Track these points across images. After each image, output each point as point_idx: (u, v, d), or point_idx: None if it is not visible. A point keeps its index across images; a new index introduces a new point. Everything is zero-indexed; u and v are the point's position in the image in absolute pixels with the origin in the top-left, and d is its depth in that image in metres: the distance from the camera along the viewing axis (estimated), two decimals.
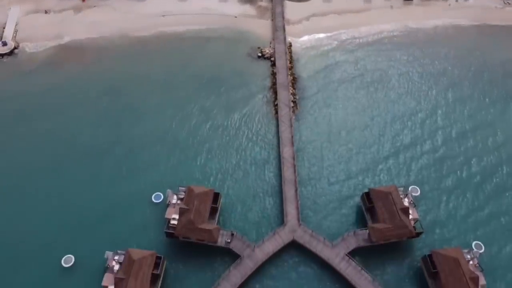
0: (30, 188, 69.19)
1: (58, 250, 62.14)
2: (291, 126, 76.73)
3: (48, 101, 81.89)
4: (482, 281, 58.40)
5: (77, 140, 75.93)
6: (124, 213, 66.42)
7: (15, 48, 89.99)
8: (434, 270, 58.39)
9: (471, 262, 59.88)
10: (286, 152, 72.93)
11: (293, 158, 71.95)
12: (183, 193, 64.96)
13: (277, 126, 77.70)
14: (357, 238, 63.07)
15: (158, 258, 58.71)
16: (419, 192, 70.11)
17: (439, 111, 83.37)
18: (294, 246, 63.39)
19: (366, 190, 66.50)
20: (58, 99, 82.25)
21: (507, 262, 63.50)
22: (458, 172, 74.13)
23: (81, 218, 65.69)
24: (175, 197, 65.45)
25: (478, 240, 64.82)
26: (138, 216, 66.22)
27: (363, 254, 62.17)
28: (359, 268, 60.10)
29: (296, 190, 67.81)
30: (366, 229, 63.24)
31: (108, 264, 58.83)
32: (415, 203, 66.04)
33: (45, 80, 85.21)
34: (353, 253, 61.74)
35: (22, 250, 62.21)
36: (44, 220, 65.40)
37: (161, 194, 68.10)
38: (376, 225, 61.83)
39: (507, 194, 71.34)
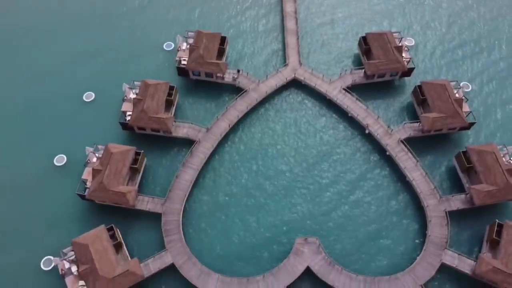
0: (60, 37, 75.22)
1: (80, 88, 68.22)
2: None
3: None
4: (466, 108, 64.20)
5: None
6: (138, 60, 71.70)
7: None
8: (422, 97, 64.14)
9: (457, 95, 65.21)
10: (289, 7, 76.73)
11: (295, 12, 75.94)
12: (192, 39, 69.57)
13: None
14: (353, 76, 68.38)
15: (171, 88, 64.44)
16: (413, 43, 74.84)
17: None
18: (295, 84, 69.18)
19: (363, 34, 70.90)
20: None
21: (491, 103, 69.02)
22: (453, 24, 78.80)
23: (100, 61, 71.52)
24: (184, 44, 70.20)
25: (467, 82, 70.66)
26: (151, 61, 71.62)
27: (359, 91, 67.40)
28: (355, 98, 65.95)
29: (297, 38, 72.35)
30: (362, 68, 68.55)
31: (125, 96, 64.60)
32: (408, 48, 70.83)
33: None
34: (350, 90, 67.20)
35: (47, 89, 68.39)
36: (66, 63, 71.21)
37: (172, 43, 73.19)
38: (372, 61, 66.80)
39: (503, 46, 76.08)
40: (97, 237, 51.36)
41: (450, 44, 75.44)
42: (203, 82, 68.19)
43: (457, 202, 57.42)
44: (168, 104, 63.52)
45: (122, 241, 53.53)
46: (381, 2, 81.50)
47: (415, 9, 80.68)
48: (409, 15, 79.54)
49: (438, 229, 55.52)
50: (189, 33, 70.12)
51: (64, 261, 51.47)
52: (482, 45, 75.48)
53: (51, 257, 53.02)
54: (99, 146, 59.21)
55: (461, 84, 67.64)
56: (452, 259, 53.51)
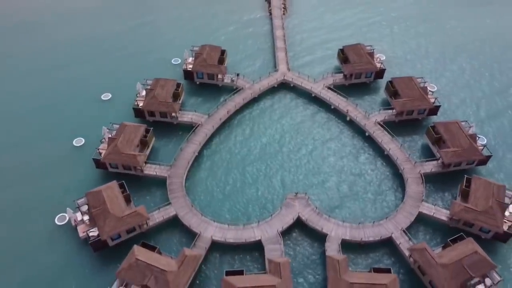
0: (84, 55, 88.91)
1: (98, 89, 79.24)
2: (282, 19, 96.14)
3: None
4: (432, 100, 74.27)
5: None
6: (149, 71, 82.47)
7: None
8: (393, 89, 74.61)
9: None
10: (278, 33, 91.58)
11: (283, 36, 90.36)
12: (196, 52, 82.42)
13: (271, 20, 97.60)
14: (334, 77, 79.91)
15: (178, 86, 75.05)
16: (384, 57, 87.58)
17: None
18: (284, 86, 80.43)
19: (341, 47, 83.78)
20: None
21: (455, 100, 79.58)
22: (419, 39, 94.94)
23: (116, 67, 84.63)
24: (191, 58, 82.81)
25: (432, 84, 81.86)
26: (161, 72, 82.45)
27: (340, 90, 77.79)
28: (335, 93, 76.44)
29: (286, 53, 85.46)
30: (341, 72, 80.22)
31: (138, 93, 75.08)
32: (380, 59, 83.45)
33: None
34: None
35: (69, 88, 79.88)
36: (85, 67, 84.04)
37: (179, 59, 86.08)
38: (348, 64, 78.81)
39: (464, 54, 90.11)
40: (109, 187, 57.81)
41: (416, 55, 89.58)
42: (205, 84, 79.42)
43: (430, 166, 64.67)
44: (175, 98, 73.69)
45: (131, 197, 59.59)
46: (353, 27, 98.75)
47: (382, 31, 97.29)
48: (379, 36, 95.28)
49: (415, 186, 61.91)
50: (195, 48, 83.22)
51: (77, 213, 57.15)
52: (447, 56, 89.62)
53: (65, 214, 58.48)
54: (114, 125, 67.95)
55: (426, 80, 78.81)
56: (429, 209, 59.26)
